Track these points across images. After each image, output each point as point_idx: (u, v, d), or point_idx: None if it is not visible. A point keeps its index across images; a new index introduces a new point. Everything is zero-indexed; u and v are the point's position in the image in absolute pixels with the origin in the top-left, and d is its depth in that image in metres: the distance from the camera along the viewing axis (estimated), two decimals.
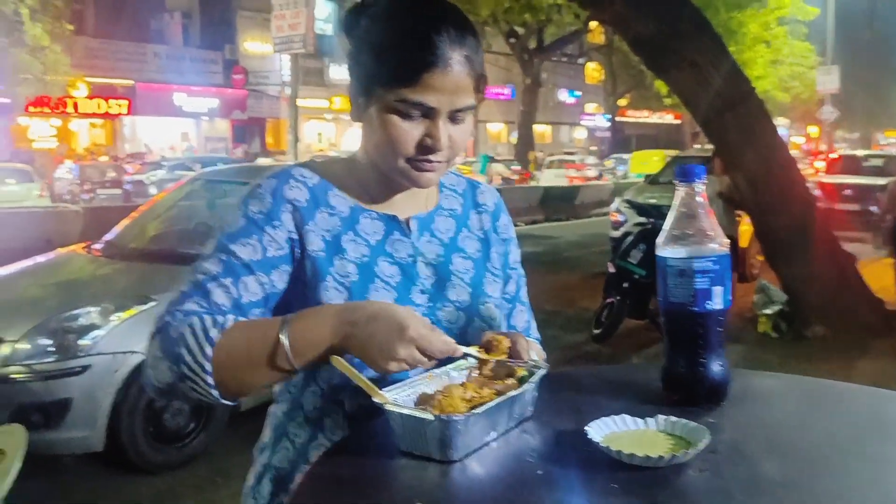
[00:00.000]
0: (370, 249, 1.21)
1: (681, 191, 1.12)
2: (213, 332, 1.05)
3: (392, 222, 1.24)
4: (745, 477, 0.88)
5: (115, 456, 3.84)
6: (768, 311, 6.72)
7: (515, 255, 1.41)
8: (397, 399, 1.00)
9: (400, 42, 1.12)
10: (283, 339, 1.03)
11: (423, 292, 1.23)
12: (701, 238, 1.09)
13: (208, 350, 1.03)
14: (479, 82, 1.17)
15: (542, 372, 1.07)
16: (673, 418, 0.98)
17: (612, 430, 0.97)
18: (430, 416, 0.92)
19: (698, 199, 1.11)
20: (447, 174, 1.36)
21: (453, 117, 1.15)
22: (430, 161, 1.15)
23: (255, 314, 1.14)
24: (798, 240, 6.43)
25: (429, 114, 1.13)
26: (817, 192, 13.47)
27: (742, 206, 7.12)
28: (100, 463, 3.91)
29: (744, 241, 8.53)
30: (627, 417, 0.99)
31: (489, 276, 1.33)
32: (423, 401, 1.01)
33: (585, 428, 0.95)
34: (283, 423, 1.23)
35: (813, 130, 44.32)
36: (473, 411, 0.94)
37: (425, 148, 1.14)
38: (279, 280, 1.17)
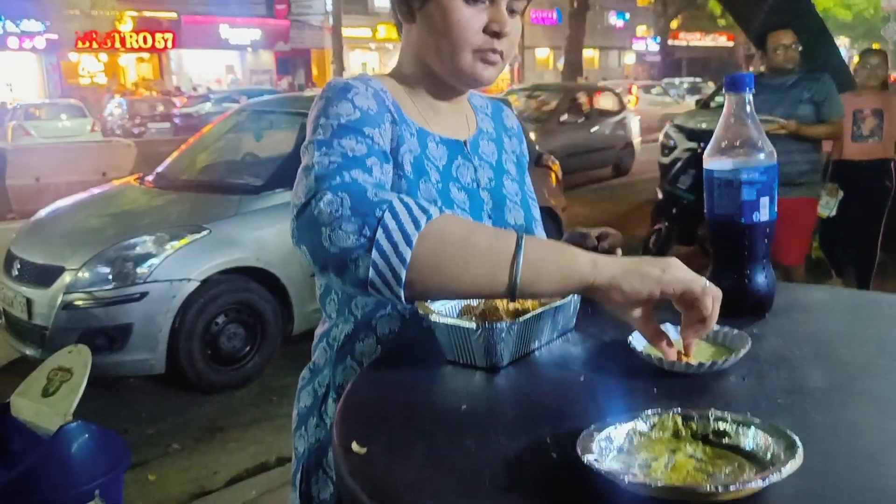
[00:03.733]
0: (440, 175, 1.19)
1: (730, 100, 1.10)
2: (423, 220, 0.90)
3: (455, 147, 1.23)
4: (787, 382, 0.89)
5: (175, 377, 4.01)
6: None
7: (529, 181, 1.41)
8: (441, 310, 1.02)
9: None
10: (518, 261, 0.89)
11: (489, 217, 1.23)
12: (748, 149, 1.08)
13: (415, 234, 0.89)
14: None
15: None
16: (715, 327, 0.99)
17: None
18: (473, 325, 0.94)
19: (747, 108, 1.09)
20: (473, 95, 1.35)
21: (510, 7, 1.15)
22: (495, 50, 1.14)
23: None
24: None
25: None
26: None
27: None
28: (162, 383, 4.10)
29: None
30: (670, 326, 1.00)
31: (529, 200, 1.34)
32: (466, 311, 1.03)
33: (628, 338, 0.97)
34: (347, 342, 1.19)
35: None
36: (517, 319, 0.96)
37: (492, 33, 1.13)
38: None
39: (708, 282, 0.92)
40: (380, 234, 0.89)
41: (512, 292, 0.90)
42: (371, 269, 0.89)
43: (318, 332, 1.28)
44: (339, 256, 0.91)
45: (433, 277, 0.91)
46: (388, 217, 0.90)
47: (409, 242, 0.89)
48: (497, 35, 1.13)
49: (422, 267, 0.89)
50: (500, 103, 1.42)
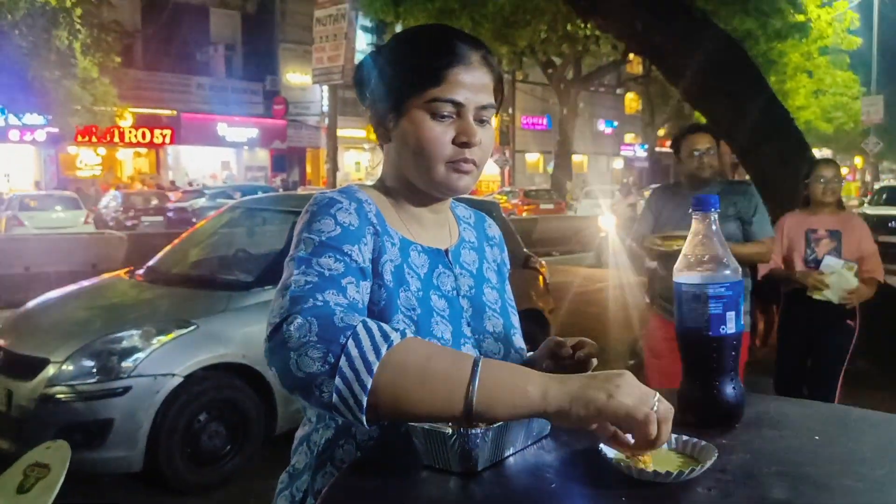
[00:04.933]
0: (421, 283, 1.23)
1: (697, 219, 1.17)
2: (384, 347, 0.96)
3: (436, 256, 1.28)
4: (752, 497, 0.91)
5: (153, 476, 3.92)
6: None
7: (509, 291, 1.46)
8: None
9: (424, 51, 1.22)
10: (473, 390, 0.94)
11: (468, 324, 1.27)
12: (715, 265, 1.13)
13: (376, 363, 0.94)
14: (499, 84, 1.26)
15: None
16: (684, 437, 1.02)
17: None
18: (449, 431, 0.97)
19: (713, 227, 1.15)
20: (457, 206, 1.42)
21: (478, 118, 1.22)
22: (467, 160, 1.21)
23: None
24: None
25: (459, 112, 1.20)
26: None
27: None
28: (138, 483, 4.00)
29: None
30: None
31: (510, 308, 1.39)
32: None
33: (600, 445, 0.99)
34: (328, 448, 1.21)
35: (857, 161, 43.73)
36: (491, 427, 0.99)
37: (461, 144, 1.20)
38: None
39: (658, 402, 0.94)
40: (343, 361, 0.94)
41: (468, 418, 0.95)
42: (334, 394, 0.94)
43: (299, 434, 1.29)
44: (305, 381, 0.96)
45: (393, 403, 0.96)
46: (350, 345, 0.95)
47: (370, 370, 0.94)
48: (466, 145, 1.20)
49: (383, 393, 0.95)
50: (483, 214, 1.49)
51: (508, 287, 1.44)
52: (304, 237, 1.14)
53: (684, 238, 1.15)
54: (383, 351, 0.95)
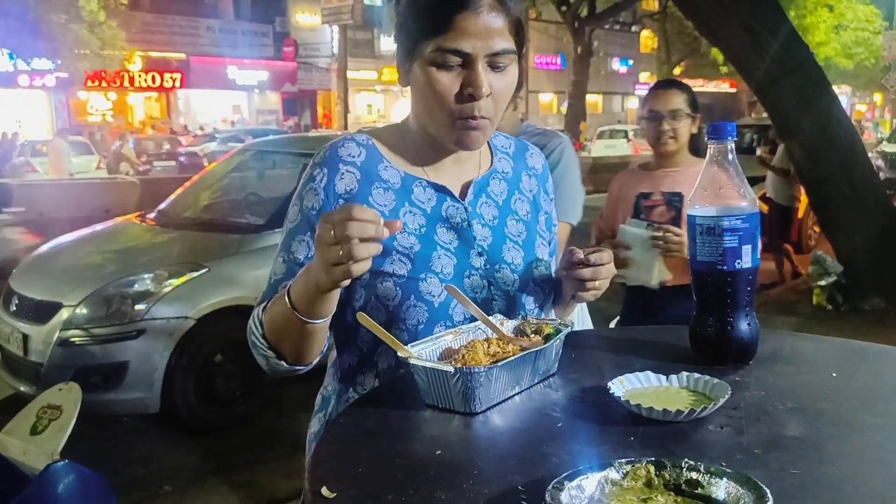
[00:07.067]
0: (426, 218, 1.22)
1: (712, 148, 1.11)
2: (259, 313, 1.19)
3: (442, 192, 1.26)
4: (765, 434, 0.88)
5: (169, 417, 3.98)
6: (823, 283, 6.56)
7: (554, 216, 1.44)
8: (422, 354, 1.02)
9: None
10: (288, 302, 1.10)
11: (480, 255, 1.25)
12: (731, 196, 1.09)
13: (261, 329, 1.18)
14: (517, 26, 1.17)
15: (567, 329, 1.08)
16: (696, 375, 0.98)
17: (634, 386, 0.98)
18: (451, 369, 0.94)
19: (729, 156, 1.10)
20: (497, 136, 1.38)
21: (493, 64, 1.15)
22: (475, 117, 1.15)
23: None
24: (855, 210, 6.24)
25: (466, 62, 1.13)
26: (879, 162, 13.08)
27: (797, 175, 6.94)
28: (155, 423, 4.06)
29: (801, 212, 8.33)
30: (650, 374, 0.99)
31: (539, 240, 1.36)
32: (447, 355, 1.03)
33: (608, 383, 0.96)
34: (351, 374, 1.26)
35: (877, 98, 42.88)
36: (495, 364, 0.96)
37: (467, 97, 1.14)
38: None
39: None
40: (255, 351, 1.22)
41: (308, 321, 1.11)
42: (277, 367, 1.20)
43: (330, 357, 1.34)
44: (269, 370, 1.23)
45: (288, 349, 1.17)
46: (252, 338, 1.21)
47: (268, 347, 1.19)
48: (472, 98, 1.14)
49: (281, 351, 1.18)
50: (527, 144, 1.43)
51: (544, 219, 1.39)
52: (292, 206, 1.25)
53: None
54: (261, 330, 1.19)
